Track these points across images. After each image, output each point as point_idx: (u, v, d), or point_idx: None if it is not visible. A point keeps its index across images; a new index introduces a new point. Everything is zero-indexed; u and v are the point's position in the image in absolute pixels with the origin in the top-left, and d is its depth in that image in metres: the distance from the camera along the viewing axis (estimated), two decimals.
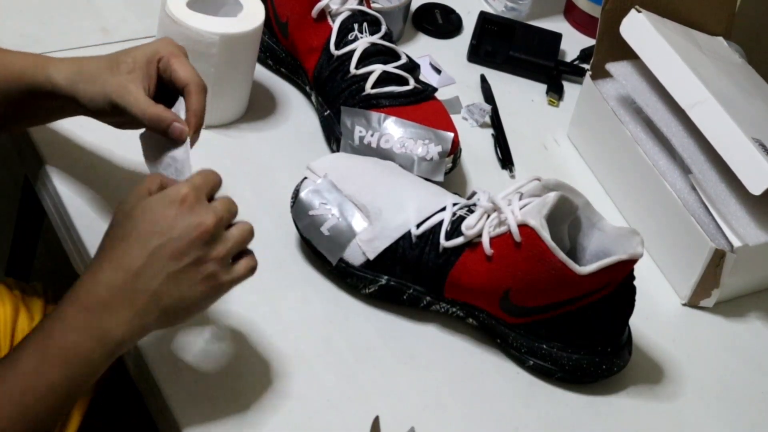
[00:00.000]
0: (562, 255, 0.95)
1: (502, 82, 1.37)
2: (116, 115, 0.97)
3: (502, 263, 0.99)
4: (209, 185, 0.90)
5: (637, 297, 1.03)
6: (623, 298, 1.02)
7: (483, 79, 1.36)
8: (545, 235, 0.95)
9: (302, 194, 1.06)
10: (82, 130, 1.11)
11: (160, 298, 0.86)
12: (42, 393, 0.84)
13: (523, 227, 0.96)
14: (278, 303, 1.04)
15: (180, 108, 0.96)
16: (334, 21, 1.18)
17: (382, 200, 1.04)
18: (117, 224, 0.88)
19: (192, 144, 0.95)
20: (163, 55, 0.97)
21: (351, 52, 1.16)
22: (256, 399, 0.96)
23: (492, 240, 0.99)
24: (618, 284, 1.00)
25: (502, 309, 1.02)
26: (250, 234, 0.90)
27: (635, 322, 1.06)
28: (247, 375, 0.97)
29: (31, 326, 1.14)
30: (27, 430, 0.84)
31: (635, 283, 1.02)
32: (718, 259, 1.12)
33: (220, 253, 0.87)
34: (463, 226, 1.00)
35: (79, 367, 0.85)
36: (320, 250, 1.05)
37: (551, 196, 0.97)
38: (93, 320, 0.85)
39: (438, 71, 1.35)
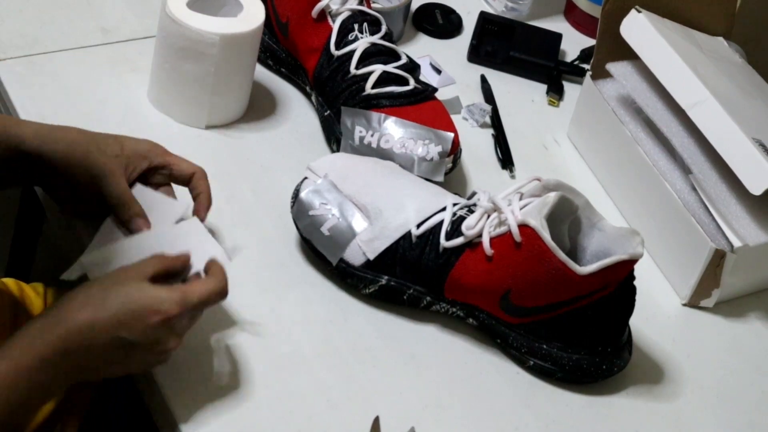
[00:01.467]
0: (562, 255, 0.95)
1: (502, 82, 1.37)
2: (74, 188, 0.99)
3: (503, 263, 0.99)
4: (200, 306, 0.90)
5: (637, 297, 1.03)
6: (623, 298, 1.02)
7: (483, 79, 1.36)
8: (545, 235, 0.95)
9: (302, 194, 1.06)
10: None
11: (99, 369, 0.89)
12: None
13: (523, 227, 0.96)
14: (278, 303, 1.04)
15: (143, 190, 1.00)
16: (334, 21, 1.18)
17: (382, 200, 1.04)
18: (106, 283, 0.88)
19: (203, 221, 1.01)
20: (158, 152, 1.01)
21: (351, 52, 1.16)
22: (256, 399, 0.96)
23: (492, 240, 0.99)
24: (618, 284, 1.00)
25: (502, 309, 1.02)
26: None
27: (635, 322, 1.06)
28: (247, 375, 0.97)
29: None
30: None
31: (635, 283, 1.02)
32: (718, 259, 1.12)
33: (167, 350, 0.90)
34: (464, 227, 1.00)
35: (18, 411, 0.86)
36: (320, 250, 1.05)
37: (551, 196, 0.97)
38: (41, 377, 0.85)
39: (438, 71, 1.35)
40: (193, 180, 1.02)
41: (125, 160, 1.00)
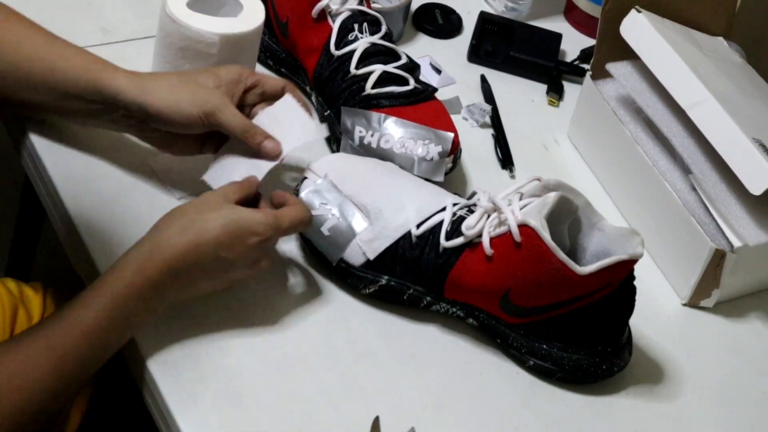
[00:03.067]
0: (562, 255, 0.95)
1: (502, 82, 1.37)
2: (183, 127, 1.02)
3: (502, 263, 0.99)
4: (290, 230, 0.99)
5: (637, 297, 1.03)
6: (623, 298, 1.02)
7: (483, 79, 1.36)
8: (545, 235, 0.95)
9: (302, 194, 1.06)
10: (83, 129, 1.11)
11: (199, 289, 0.97)
12: (83, 371, 0.93)
13: (523, 227, 0.96)
14: (278, 303, 1.04)
15: (285, 106, 1.05)
16: (334, 21, 1.18)
17: (382, 200, 1.04)
18: (200, 207, 0.96)
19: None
20: (248, 74, 1.05)
21: (351, 53, 1.16)
22: (256, 399, 0.96)
23: (492, 240, 0.99)
24: (618, 284, 1.00)
25: (502, 309, 1.02)
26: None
27: (635, 322, 1.06)
28: (247, 375, 0.97)
29: (29, 325, 1.14)
30: (88, 369, 0.93)
31: (635, 283, 1.02)
32: (718, 259, 1.12)
33: (256, 270, 0.99)
34: (463, 227, 1.00)
35: (129, 328, 0.95)
36: (320, 250, 1.05)
37: (551, 196, 0.97)
38: (125, 317, 0.93)
39: (438, 71, 1.35)
40: (286, 92, 1.06)
41: (225, 88, 1.03)
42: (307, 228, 1.01)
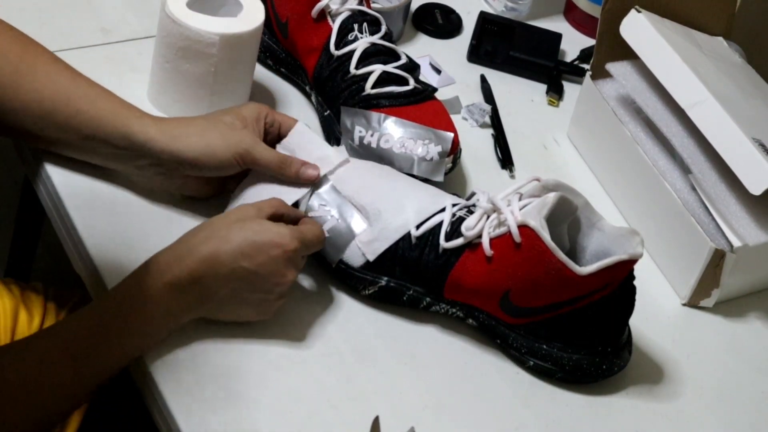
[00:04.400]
0: (562, 255, 0.95)
1: (502, 82, 1.37)
2: (217, 170, 1.04)
3: (502, 264, 0.99)
4: (312, 246, 1.00)
5: (637, 297, 1.03)
6: (623, 298, 1.02)
7: (483, 79, 1.36)
8: (545, 235, 0.95)
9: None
10: None
11: (222, 304, 0.96)
12: (118, 353, 0.94)
13: (522, 228, 0.96)
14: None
15: (301, 134, 1.08)
16: (334, 21, 1.18)
17: (381, 201, 1.04)
18: (224, 226, 0.96)
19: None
20: (266, 113, 1.07)
21: (351, 52, 1.16)
22: (256, 399, 0.96)
23: (492, 241, 0.99)
24: (618, 284, 1.00)
25: (502, 309, 1.02)
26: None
27: (635, 322, 1.06)
28: (247, 375, 0.97)
29: (30, 326, 1.14)
30: (95, 381, 0.93)
31: (635, 283, 1.02)
32: (718, 259, 1.12)
33: (282, 300, 0.99)
34: (463, 227, 1.00)
35: (149, 338, 0.95)
36: (320, 252, 1.05)
37: (551, 197, 0.97)
38: (171, 299, 0.94)
39: (438, 71, 1.35)
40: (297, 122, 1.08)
41: (251, 128, 1.05)
42: (321, 246, 1.02)
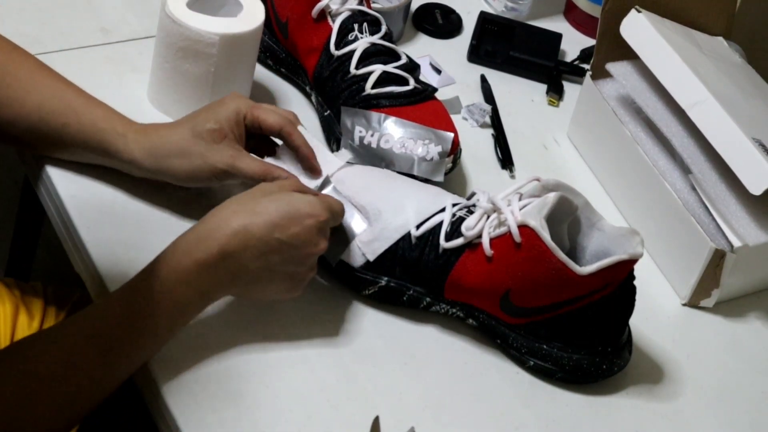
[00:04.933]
0: (562, 255, 0.95)
1: (502, 82, 1.37)
2: (203, 185, 1.05)
3: (502, 264, 0.99)
4: (337, 217, 1.00)
5: (637, 297, 1.03)
6: (623, 298, 1.02)
7: (483, 79, 1.36)
8: (545, 235, 0.95)
9: None
10: None
11: (254, 280, 0.95)
12: (150, 337, 0.92)
13: (523, 228, 0.96)
14: (278, 303, 1.04)
15: (284, 152, 1.06)
16: (334, 21, 1.18)
17: (381, 201, 1.04)
18: (253, 200, 0.95)
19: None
20: (245, 113, 1.04)
21: (351, 52, 1.16)
22: (256, 399, 0.96)
23: (492, 241, 0.99)
24: (618, 284, 1.00)
25: (502, 309, 1.02)
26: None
27: (635, 322, 1.06)
28: (247, 375, 0.97)
29: (30, 325, 1.14)
30: (127, 369, 0.92)
31: (635, 283, 1.02)
32: (718, 259, 1.12)
33: (312, 273, 0.99)
34: (463, 227, 1.00)
35: (180, 317, 0.94)
36: None
37: (551, 197, 0.97)
38: (201, 276, 0.92)
39: (438, 71, 1.35)
40: (284, 135, 1.05)
41: (232, 135, 1.03)
42: (342, 216, 1.02)
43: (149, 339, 0.92)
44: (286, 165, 1.06)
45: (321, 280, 1.07)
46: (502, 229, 0.98)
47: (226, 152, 1.02)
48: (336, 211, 0.99)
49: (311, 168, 1.05)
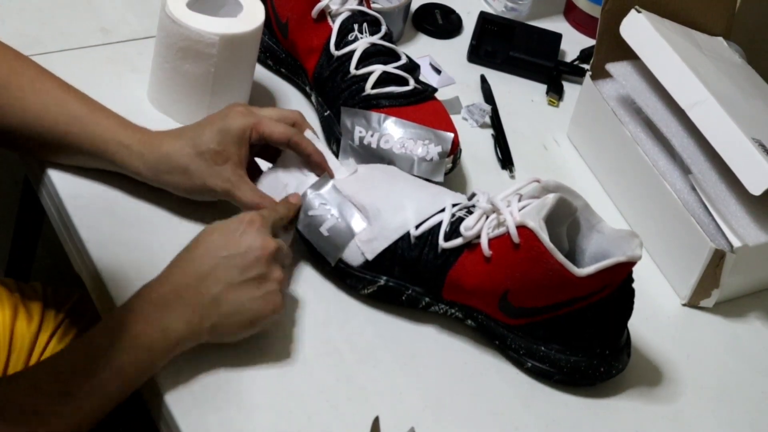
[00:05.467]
0: (560, 256, 0.95)
1: (502, 82, 1.37)
2: (202, 197, 1.06)
3: (501, 264, 0.99)
4: (275, 215, 1.00)
5: (637, 297, 1.03)
6: (621, 300, 1.02)
7: (483, 79, 1.36)
8: (543, 236, 0.95)
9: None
10: None
11: (220, 303, 0.94)
12: (112, 372, 0.90)
13: (521, 228, 0.96)
14: None
15: (287, 159, 1.07)
16: (334, 21, 1.18)
17: (381, 201, 1.04)
18: (194, 240, 0.97)
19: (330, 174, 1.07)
20: (250, 131, 1.04)
21: (351, 53, 1.16)
22: (256, 399, 0.96)
23: (490, 241, 0.99)
24: (616, 287, 0.99)
25: (500, 310, 1.02)
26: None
27: (635, 322, 1.06)
28: (247, 375, 0.97)
29: (30, 326, 1.14)
30: (95, 407, 0.90)
31: (635, 285, 1.02)
32: (717, 259, 1.12)
33: (280, 276, 0.97)
34: (462, 227, 1.00)
35: (143, 354, 0.91)
36: (319, 251, 1.05)
37: (550, 198, 0.97)
38: (156, 313, 0.92)
39: (438, 71, 1.35)
40: (292, 145, 1.05)
41: (235, 158, 1.04)
42: (295, 208, 1.03)
43: (113, 374, 0.90)
44: (291, 169, 1.07)
45: (321, 281, 1.07)
46: (501, 230, 0.98)
47: (226, 176, 1.03)
48: (275, 210, 1.01)
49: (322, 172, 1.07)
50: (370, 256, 1.03)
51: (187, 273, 0.94)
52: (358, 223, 1.04)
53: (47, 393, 0.88)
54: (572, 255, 1.02)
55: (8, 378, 0.92)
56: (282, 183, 1.07)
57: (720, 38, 1.30)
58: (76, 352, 0.92)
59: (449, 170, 1.16)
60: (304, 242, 1.06)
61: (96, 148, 1.04)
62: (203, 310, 0.94)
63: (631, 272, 1.00)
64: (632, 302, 1.02)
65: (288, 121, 1.06)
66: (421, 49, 1.38)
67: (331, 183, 1.06)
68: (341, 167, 1.08)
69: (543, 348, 1.02)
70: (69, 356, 0.91)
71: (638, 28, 1.22)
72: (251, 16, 1.15)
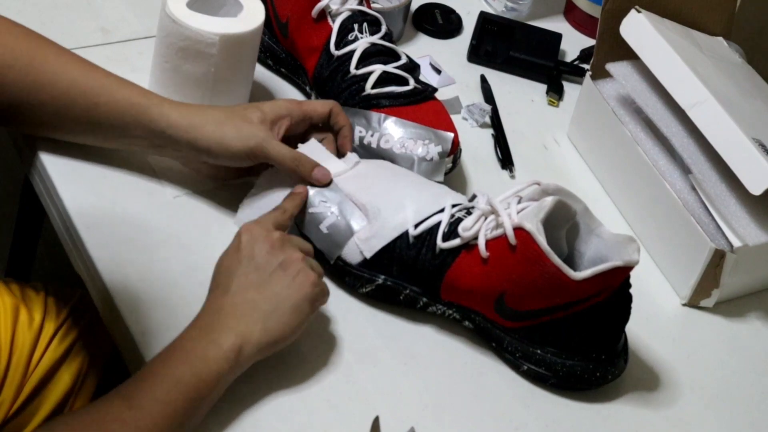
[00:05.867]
0: (556, 259, 0.95)
1: (502, 82, 1.37)
2: (231, 161, 1.05)
3: (498, 266, 0.98)
4: (276, 217, 1.01)
5: (637, 297, 1.02)
6: (619, 305, 1.01)
7: (483, 79, 1.36)
8: (540, 238, 0.95)
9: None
10: None
11: (257, 304, 0.94)
12: (170, 383, 0.89)
13: (518, 230, 0.96)
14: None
15: (312, 148, 1.07)
16: (334, 21, 1.18)
17: (381, 200, 1.04)
18: (211, 279, 0.97)
19: (349, 151, 1.10)
20: (293, 110, 1.07)
21: (351, 53, 1.16)
22: (256, 399, 0.96)
23: (488, 242, 0.99)
24: (613, 291, 0.99)
25: (497, 312, 1.01)
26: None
27: (635, 322, 1.05)
28: (247, 375, 0.97)
29: (31, 326, 1.14)
30: (156, 416, 0.88)
31: (634, 285, 1.01)
32: (718, 259, 1.12)
33: (299, 256, 0.97)
34: (460, 228, 1.00)
35: (199, 364, 0.91)
36: (319, 248, 1.05)
37: (548, 201, 0.97)
38: (203, 333, 0.93)
39: (438, 71, 1.35)
40: (332, 117, 1.10)
41: (270, 123, 1.05)
42: (301, 202, 1.04)
43: (171, 385, 0.90)
44: (281, 180, 1.07)
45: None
46: (499, 231, 0.98)
47: (261, 131, 1.04)
48: (280, 206, 1.03)
49: (324, 176, 1.07)
50: (368, 255, 1.03)
51: (218, 300, 0.95)
52: (358, 222, 1.04)
53: (110, 400, 0.89)
54: (571, 259, 1.02)
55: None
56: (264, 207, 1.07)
57: (720, 38, 1.30)
58: (138, 372, 0.92)
59: (449, 170, 1.16)
60: (304, 239, 1.06)
61: (127, 113, 1.03)
62: (247, 317, 0.94)
63: (628, 277, 1.00)
64: (629, 307, 1.02)
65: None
66: (421, 49, 1.38)
67: (331, 180, 1.06)
68: (341, 162, 1.08)
69: (539, 351, 1.02)
70: (140, 371, 0.92)
71: (638, 28, 1.22)
72: (251, 16, 1.15)
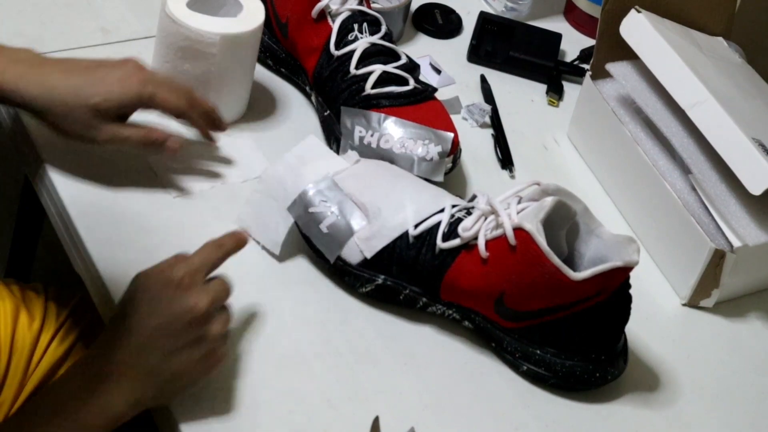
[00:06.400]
0: (556, 259, 0.95)
1: (502, 82, 1.37)
2: (67, 121, 1.01)
3: (497, 266, 0.98)
4: (207, 265, 0.94)
5: (637, 297, 1.02)
6: (618, 306, 1.01)
7: (483, 79, 1.36)
8: (540, 239, 0.95)
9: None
10: None
11: (159, 373, 0.90)
12: None
13: (518, 231, 0.96)
14: (277, 302, 1.04)
15: (311, 146, 1.08)
16: (334, 21, 1.18)
17: (382, 200, 1.04)
18: (127, 301, 0.92)
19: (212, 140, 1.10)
20: (144, 98, 1.03)
21: (351, 53, 1.16)
22: (256, 399, 0.96)
23: (488, 243, 0.99)
24: (613, 292, 0.99)
25: (497, 312, 1.01)
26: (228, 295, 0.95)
27: (635, 322, 1.06)
28: (247, 375, 0.97)
29: (31, 327, 1.14)
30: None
31: (634, 286, 1.01)
32: (717, 259, 1.12)
33: (217, 330, 0.92)
34: (460, 228, 1.00)
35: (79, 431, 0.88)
36: (319, 248, 1.05)
37: (548, 201, 0.97)
38: (96, 391, 0.88)
39: (438, 71, 1.35)
40: (185, 116, 1.07)
41: (112, 110, 1.02)
42: (239, 246, 0.97)
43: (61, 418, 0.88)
44: (287, 166, 1.07)
45: (320, 280, 1.07)
46: (498, 232, 0.98)
47: (91, 120, 1.01)
48: (185, 258, 0.93)
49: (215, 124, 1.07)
50: (368, 255, 1.03)
51: (123, 345, 0.89)
52: (358, 221, 1.04)
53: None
54: (571, 260, 1.02)
55: None
56: (282, 179, 1.07)
57: (720, 38, 1.30)
58: (13, 424, 0.89)
59: (449, 170, 1.16)
60: (304, 239, 1.06)
61: None
62: (143, 384, 0.89)
63: (628, 278, 1.00)
64: (629, 308, 1.02)
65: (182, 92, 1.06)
66: (421, 49, 1.38)
67: (331, 180, 1.06)
68: (342, 159, 1.08)
69: (538, 351, 1.02)
70: (5, 427, 0.88)
71: (638, 28, 1.22)
72: (251, 16, 1.15)
